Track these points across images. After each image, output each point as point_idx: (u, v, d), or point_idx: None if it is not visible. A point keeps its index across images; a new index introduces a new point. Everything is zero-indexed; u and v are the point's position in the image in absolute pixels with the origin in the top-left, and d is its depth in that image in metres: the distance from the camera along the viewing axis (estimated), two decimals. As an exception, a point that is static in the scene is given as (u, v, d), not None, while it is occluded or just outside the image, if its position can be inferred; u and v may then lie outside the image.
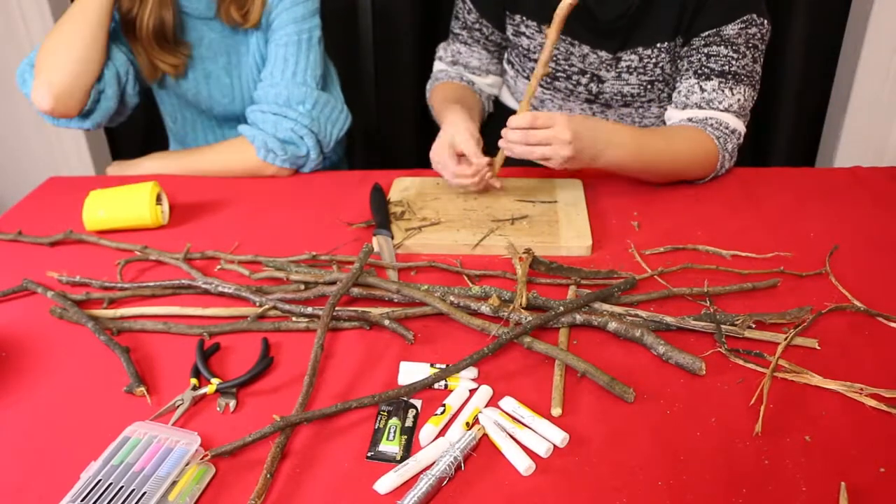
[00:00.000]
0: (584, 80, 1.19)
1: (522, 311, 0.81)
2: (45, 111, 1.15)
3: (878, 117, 1.81)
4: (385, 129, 1.93)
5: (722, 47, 1.07)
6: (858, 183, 1.13)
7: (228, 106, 1.29)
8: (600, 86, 1.18)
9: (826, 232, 0.99)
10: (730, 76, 1.08)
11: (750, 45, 1.08)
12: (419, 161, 1.25)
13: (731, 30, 1.06)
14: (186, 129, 1.40)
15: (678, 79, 1.14)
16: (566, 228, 1.00)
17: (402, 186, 1.14)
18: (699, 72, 1.09)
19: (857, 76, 1.77)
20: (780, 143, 1.88)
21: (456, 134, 1.05)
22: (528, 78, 1.24)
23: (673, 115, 1.14)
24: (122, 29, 1.19)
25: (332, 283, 0.88)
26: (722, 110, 1.09)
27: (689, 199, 1.09)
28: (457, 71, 1.32)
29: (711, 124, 1.09)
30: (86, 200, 1.06)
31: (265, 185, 1.21)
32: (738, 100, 1.09)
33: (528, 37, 1.19)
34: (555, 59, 1.17)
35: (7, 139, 2.13)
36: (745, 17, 1.06)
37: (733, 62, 1.07)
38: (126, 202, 1.06)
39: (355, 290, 0.87)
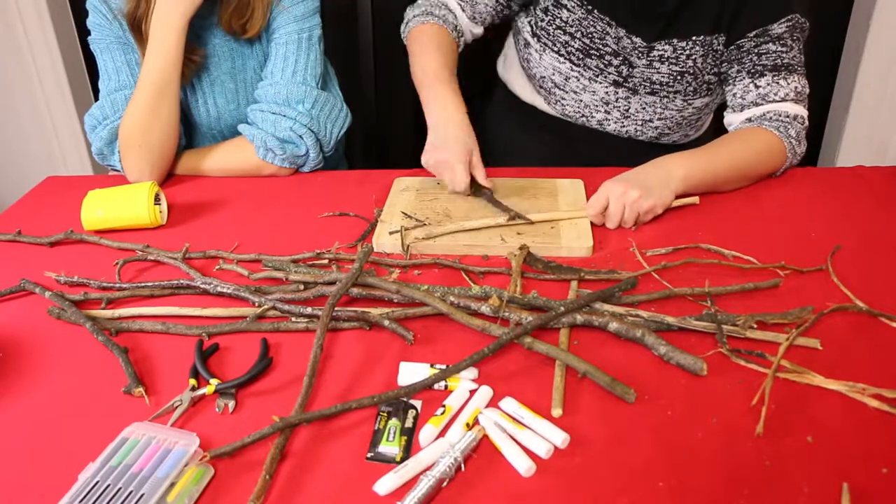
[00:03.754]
0: (615, 62, 1.18)
1: (523, 311, 0.80)
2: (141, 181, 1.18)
3: (880, 116, 1.81)
4: (385, 129, 1.93)
5: (771, 44, 1.09)
6: (861, 182, 1.13)
7: (234, 112, 1.28)
8: (631, 70, 1.18)
9: (828, 232, 0.99)
10: (782, 69, 1.10)
11: (795, 37, 1.10)
12: (419, 161, 1.24)
13: (778, 29, 1.08)
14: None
15: (731, 82, 1.15)
16: (567, 228, 0.99)
17: (401, 186, 1.14)
18: (752, 71, 1.11)
19: (860, 76, 1.77)
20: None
21: (475, 152, 1.08)
22: (558, 53, 1.21)
23: (732, 119, 1.15)
24: (133, 35, 1.19)
25: (332, 283, 0.87)
26: (779, 101, 1.10)
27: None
28: (442, 13, 1.24)
29: (769, 118, 1.10)
30: (84, 200, 1.06)
31: (265, 185, 1.20)
32: (794, 87, 1.10)
33: (569, 9, 1.17)
34: (590, 35, 1.17)
35: (6, 139, 2.13)
36: (790, 17, 1.08)
37: (784, 55, 1.09)
38: (124, 202, 1.05)
39: (355, 291, 0.87)
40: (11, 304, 0.91)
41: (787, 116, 1.10)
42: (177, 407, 0.72)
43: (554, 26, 1.19)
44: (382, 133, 1.93)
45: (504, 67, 1.41)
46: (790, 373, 0.73)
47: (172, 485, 0.62)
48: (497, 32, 1.36)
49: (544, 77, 1.26)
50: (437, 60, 1.18)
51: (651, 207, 0.99)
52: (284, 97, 1.19)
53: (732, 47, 1.12)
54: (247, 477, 0.64)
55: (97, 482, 0.62)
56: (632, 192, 0.98)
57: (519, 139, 1.36)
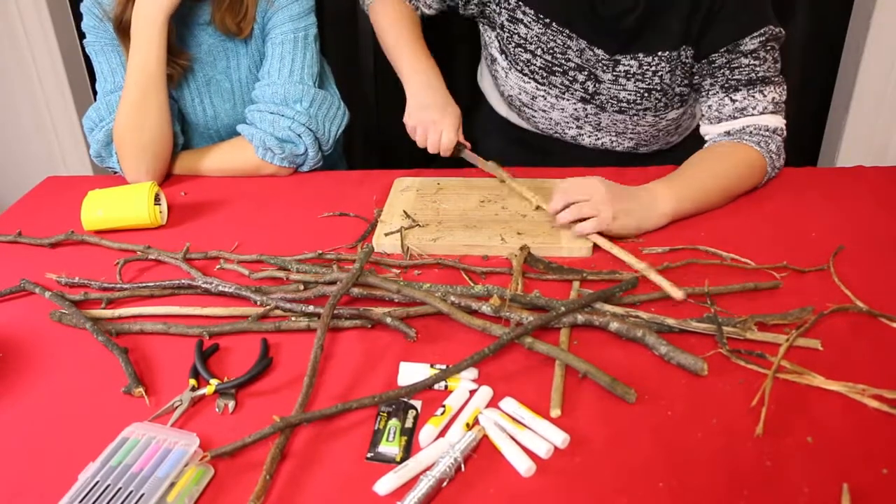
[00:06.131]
0: (580, 78, 1.16)
1: (523, 311, 0.80)
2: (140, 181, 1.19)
3: (880, 116, 1.81)
4: (385, 128, 1.92)
5: (743, 59, 1.06)
6: (861, 183, 1.13)
7: (231, 112, 1.28)
8: (597, 86, 1.15)
9: (828, 232, 0.99)
10: (757, 82, 1.07)
11: (768, 48, 1.07)
12: (419, 161, 1.24)
13: (750, 44, 1.05)
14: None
15: (704, 94, 1.12)
16: (567, 229, 0.99)
17: (402, 186, 1.14)
18: (725, 86, 1.08)
19: (860, 75, 1.77)
20: (781, 142, 1.87)
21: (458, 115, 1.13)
22: (521, 72, 1.20)
23: (709, 130, 1.12)
24: (120, 38, 1.19)
25: (333, 282, 0.87)
26: (758, 114, 1.07)
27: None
28: None
29: (749, 132, 1.07)
30: (84, 200, 1.06)
31: (264, 185, 1.20)
32: (772, 98, 1.08)
33: (526, 25, 1.15)
34: (551, 51, 1.15)
35: (6, 139, 2.13)
36: (761, 30, 1.05)
37: (757, 68, 1.06)
38: (124, 202, 1.05)
39: (355, 290, 0.87)
40: (12, 305, 0.91)
41: (767, 130, 1.07)
42: (177, 407, 0.72)
43: (514, 44, 1.18)
44: (382, 133, 1.92)
45: (481, 79, 1.41)
46: (790, 373, 0.73)
47: (172, 485, 0.62)
48: (477, 45, 1.36)
49: (511, 96, 1.26)
50: (409, 30, 1.22)
51: (615, 229, 0.95)
52: (282, 97, 1.19)
53: (704, 62, 1.09)
54: (247, 477, 0.64)
55: (97, 482, 0.62)
56: (606, 214, 0.94)
57: (507, 151, 1.35)
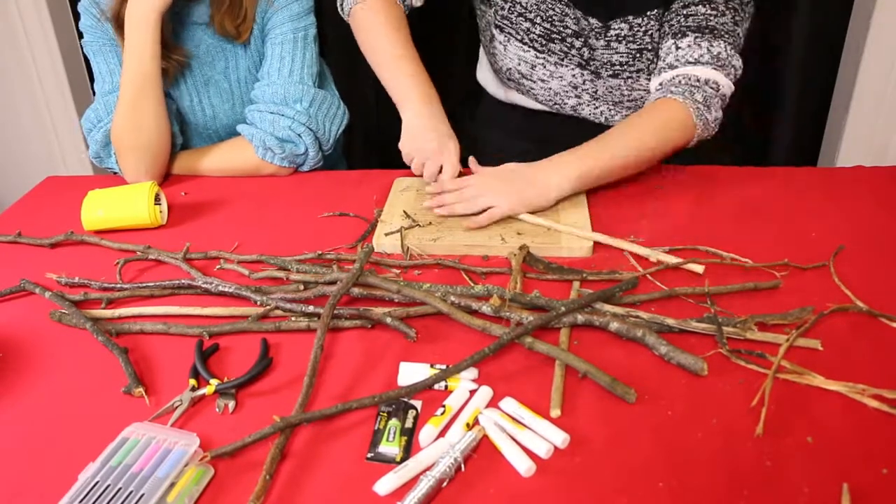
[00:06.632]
0: (577, 44, 1.15)
1: (523, 311, 0.80)
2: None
3: (880, 116, 1.81)
4: (385, 129, 1.92)
5: (700, 6, 1.03)
6: (861, 183, 1.13)
7: (229, 112, 1.29)
8: (592, 52, 1.15)
9: (828, 232, 0.99)
10: (706, 30, 1.02)
11: (730, 6, 1.03)
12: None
13: None
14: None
15: (658, 47, 1.10)
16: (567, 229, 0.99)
17: (402, 186, 1.14)
18: (676, 31, 1.04)
19: (860, 75, 1.77)
20: (781, 142, 1.87)
21: (453, 143, 1.09)
22: (521, 41, 1.17)
23: (650, 86, 1.09)
24: (117, 34, 1.19)
25: (333, 282, 0.87)
26: (692, 63, 1.02)
27: (690, 199, 1.09)
28: None
29: (677, 82, 1.03)
30: (84, 200, 1.06)
31: (265, 185, 1.20)
32: (716, 53, 1.02)
33: None
34: (550, 19, 1.14)
35: (6, 139, 2.13)
36: None
37: (711, 19, 1.02)
38: (124, 202, 1.05)
39: (356, 290, 0.87)
40: (12, 305, 0.91)
41: (698, 81, 1.01)
42: (177, 407, 0.72)
43: (515, 13, 1.16)
44: (382, 133, 1.92)
45: (480, 70, 1.40)
46: (790, 373, 0.73)
47: (172, 485, 0.62)
48: (474, 41, 1.36)
49: (510, 69, 1.23)
50: (402, 45, 1.12)
51: (496, 214, 0.99)
52: (282, 96, 1.19)
53: (665, 12, 1.07)
54: (247, 477, 0.64)
55: (97, 482, 0.62)
56: (481, 200, 0.99)
57: (505, 143, 1.35)
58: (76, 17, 2.01)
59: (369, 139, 1.95)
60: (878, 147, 1.85)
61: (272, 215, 1.11)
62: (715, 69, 1.02)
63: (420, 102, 1.10)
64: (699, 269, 0.90)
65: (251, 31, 1.21)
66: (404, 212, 1.05)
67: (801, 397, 0.70)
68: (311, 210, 1.11)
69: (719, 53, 1.02)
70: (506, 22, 1.18)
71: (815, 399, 0.70)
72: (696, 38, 1.03)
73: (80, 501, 0.60)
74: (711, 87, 1.03)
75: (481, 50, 1.37)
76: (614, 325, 0.78)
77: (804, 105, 1.83)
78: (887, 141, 1.85)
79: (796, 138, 1.87)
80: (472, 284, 0.88)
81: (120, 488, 0.61)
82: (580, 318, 0.80)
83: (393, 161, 1.18)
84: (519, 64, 1.22)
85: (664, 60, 1.07)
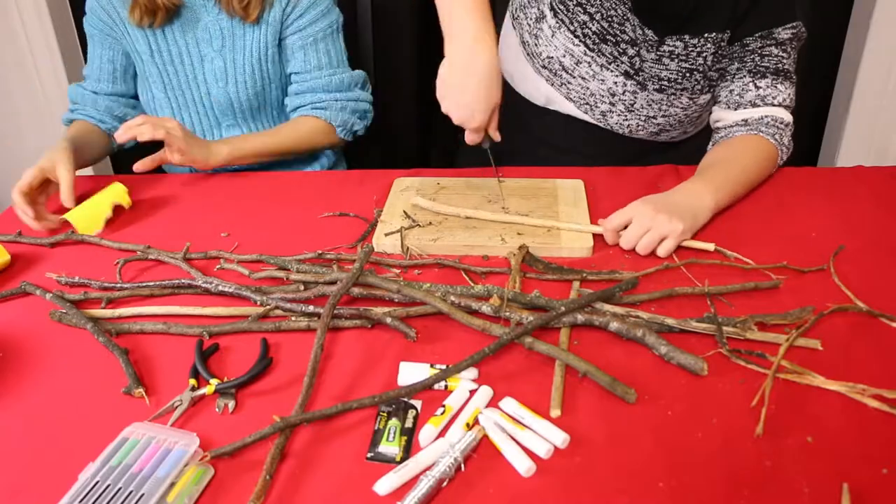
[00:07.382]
0: (630, 52, 1.16)
1: (523, 310, 0.80)
2: None
3: (880, 116, 1.81)
4: (385, 129, 1.92)
5: (774, 48, 1.11)
6: (861, 183, 1.13)
7: (223, 90, 1.29)
8: (642, 63, 1.16)
9: (828, 232, 0.99)
10: (781, 73, 1.12)
11: (794, 46, 1.12)
12: (419, 161, 1.24)
13: (783, 34, 1.10)
14: None
15: (729, 79, 1.15)
16: (567, 229, 0.99)
17: (402, 186, 1.14)
18: (753, 70, 1.12)
19: (860, 75, 1.77)
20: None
21: (497, 104, 1.03)
22: (574, 33, 1.15)
23: (725, 116, 1.16)
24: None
25: (333, 282, 0.87)
26: (777, 105, 1.12)
27: (690, 198, 1.09)
28: None
29: (766, 122, 1.12)
30: (66, 216, 1.07)
31: (265, 185, 1.20)
32: (790, 95, 1.13)
33: None
34: (609, 19, 1.14)
35: (6, 139, 2.13)
36: (795, 24, 1.10)
37: (784, 61, 1.12)
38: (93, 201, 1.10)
39: (356, 290, 0.87)
40: (12, 305, 0.91)
41: (783, 124, 1.12)
42: (177, 407, 0.72)
43: (574, 2, 1.14)
44: (382, 133, 1.92)
45: (503, 62, 1.37)
46: (790, 373, 0.73)
47: (172, 485, 0.62)
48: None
49: (552, 58, 1.21)
50: None
51: (678, 235, 0.94)
52: (346, 83, 1.32)
53: (736, 45, 1.12)
54: (247, 477, 0.64)
55: (97, 482, 0.62)
56: (661, 217, 0.94)
57: (523, 141, 1.34)
58: (76, 17, 2.01)
59: (370, 140, 1.95)
60: (878, 147, 1.85)
61: (272, 215, 1.11)
62: (788, 111, 1.14)
63: (469, 51, 0.98)
64: (709, 246, 0.94)
65: (266, 17, 1.25)
66: (404, 212, 1.05)
67: (801, 397, 0.70)
68: (311, 210, 1.11)
69: (791, 96, 1.14)
70: (562, 7, 1.16)
71: (814, 399, 0.70)
72: (774, 80, 1.12)
73: (80, 501, 0.60)
74: (790, 131, 1.14)
75: (505, 28, 1.33)
76: (614, 325, 0.78)
77: (804, 105, 1.83)
78: (887, 141, 1.85)
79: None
80: (472, 284, 0.88)
81: (120, 488, 0.62)
82: (580, 317, 0.80)
83: (393, 161, 1.18)
84: (564, 55, 1.19)
85: (742, 96, 1.14)
